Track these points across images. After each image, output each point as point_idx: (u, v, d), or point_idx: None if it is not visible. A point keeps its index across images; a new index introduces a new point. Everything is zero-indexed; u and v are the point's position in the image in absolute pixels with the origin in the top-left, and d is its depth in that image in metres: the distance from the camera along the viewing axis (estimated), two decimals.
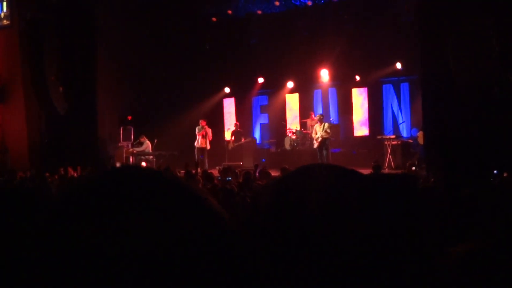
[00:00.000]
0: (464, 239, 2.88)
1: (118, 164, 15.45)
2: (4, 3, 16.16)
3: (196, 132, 15.91)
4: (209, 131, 15.82)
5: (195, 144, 15.85)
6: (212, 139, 16.00)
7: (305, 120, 17.27)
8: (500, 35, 11.22)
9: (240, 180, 8.39)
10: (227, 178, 9.57)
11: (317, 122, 14.88)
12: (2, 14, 16.22)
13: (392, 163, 14.22)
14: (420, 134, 14.16)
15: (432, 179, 7.98)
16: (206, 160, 15.56)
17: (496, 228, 3.22)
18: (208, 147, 15.70)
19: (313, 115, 16.42)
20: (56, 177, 10.50)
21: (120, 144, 16.58)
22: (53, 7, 15.71)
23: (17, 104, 16.40)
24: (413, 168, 11.99)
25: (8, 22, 16.20)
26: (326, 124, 14.55)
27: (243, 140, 16.79)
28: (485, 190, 4.97)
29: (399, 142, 14.97)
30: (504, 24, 11.18)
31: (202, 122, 16.08)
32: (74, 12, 15.59)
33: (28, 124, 16.13)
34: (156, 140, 16.21)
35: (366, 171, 9.50)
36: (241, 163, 15.29)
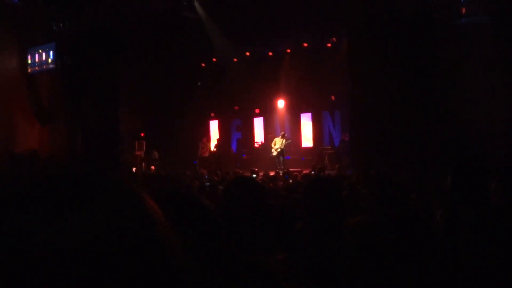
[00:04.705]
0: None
1: (134, 168, 17.75)
2: (51, 52, 18.17)
3: (201, 146, 18.44)
4: (208, 144, 18.69)
5: (203, 154, 18.26)
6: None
7: (270, 136, 18.42)
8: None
9: (220, 179, 9.81)
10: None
11: (278, 137, 16.60)
12: (49, 60, 18.18)
13: (328, 165, 15.59)
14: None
15: (354, 176, 8.57)
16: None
17: (381, 206, 3.44)
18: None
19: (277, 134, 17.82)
20: None
21: (136, 153, 18.50)
22: (86, 53, 17.53)
23: (59, 125, 18.22)
24: (342, 169, 12.43)
25: (54, 65, 18.08)
26: (284, 140, 16.37)
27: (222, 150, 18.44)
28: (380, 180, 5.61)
29: (333, 151, 16.75)
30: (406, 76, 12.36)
31: (204, 139, 18.85)
32: (102, 57, 17.28)
33: (69, 139, 18.05)
34: (161, 150, 18.28)
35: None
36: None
